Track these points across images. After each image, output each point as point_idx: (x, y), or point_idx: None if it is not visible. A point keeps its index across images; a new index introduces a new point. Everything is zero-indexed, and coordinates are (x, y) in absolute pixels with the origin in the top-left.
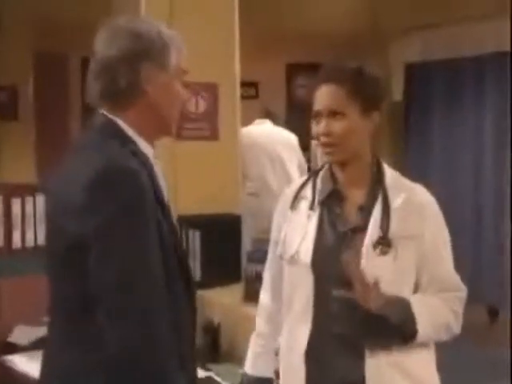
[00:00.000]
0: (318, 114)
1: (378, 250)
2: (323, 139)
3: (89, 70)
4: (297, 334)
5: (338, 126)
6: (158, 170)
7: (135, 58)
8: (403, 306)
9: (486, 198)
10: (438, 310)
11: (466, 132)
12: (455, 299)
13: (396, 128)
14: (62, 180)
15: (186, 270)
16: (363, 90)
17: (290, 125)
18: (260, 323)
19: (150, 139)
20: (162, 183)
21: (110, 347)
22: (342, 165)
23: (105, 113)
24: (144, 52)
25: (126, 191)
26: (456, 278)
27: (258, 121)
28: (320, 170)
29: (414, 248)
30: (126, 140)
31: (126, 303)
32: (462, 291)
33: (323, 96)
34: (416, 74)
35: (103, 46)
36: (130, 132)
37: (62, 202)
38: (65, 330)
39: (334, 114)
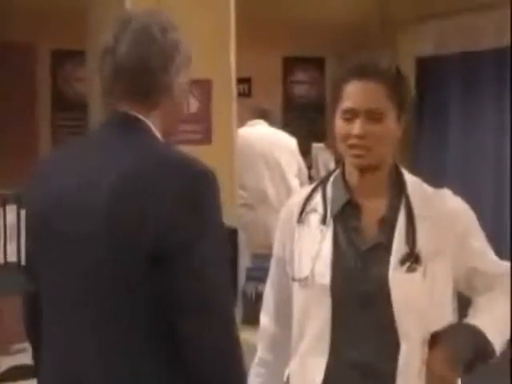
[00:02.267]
0: (352, 113)
1: (405, 267)
2: (356, 141)
3: (113, 67)
4: (311, 364)
5: (376, 128)
6: None
7: (166, 60)
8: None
9: (509, 207)
10: (500, 313)
11: (485, 134)
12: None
13: (406, 130)
14: (109, 188)
15: None
16: (400, 91)
17: (287, 126)
18: (261, 350)
19: None
20: None
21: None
22: (363, 171)
23: (134, 113)
24: (178, 47)
25: (218, 199)
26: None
27: (251, 122)
28: (328, 177)
29: (449, 263)
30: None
31: (223, 313)
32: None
33: (360, 93)
34: (429, 68)
35: (148, 43)
36: (159, 136)
37: (135, 210)
38: (128, 350)
39: (372, 114)
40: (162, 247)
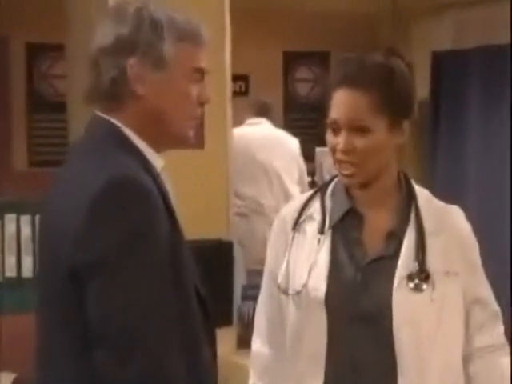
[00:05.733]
0: (336, 124)
1: (412, 285)
2: (341, 156)
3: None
4: None
5: (360, 142)
6: (168, 185)
7: (119, 51)
8: None
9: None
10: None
11: (509, 137)
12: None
13: (421, 133)
14: (57, 197)
15: (203, 302)
16: (394, 98)
17: (288, 128)
18: (254, 377)
19: (158, 148)
20: (174, 201)
21: None
22: (364, 184)
23: (102, 115)
24: (129, 44)
25: (135, 213)
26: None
27: (251, 120)
28: (329, 183)
29: (460, 286)
30: (131, 148)
31: (134, 346)
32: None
33: (343, 103)
34: (446, 64)
35: (96, 33)
36: (135, 139)
37: (59, 224)
38: (62, 371)
39: (356, 127)
40: (75, 268)
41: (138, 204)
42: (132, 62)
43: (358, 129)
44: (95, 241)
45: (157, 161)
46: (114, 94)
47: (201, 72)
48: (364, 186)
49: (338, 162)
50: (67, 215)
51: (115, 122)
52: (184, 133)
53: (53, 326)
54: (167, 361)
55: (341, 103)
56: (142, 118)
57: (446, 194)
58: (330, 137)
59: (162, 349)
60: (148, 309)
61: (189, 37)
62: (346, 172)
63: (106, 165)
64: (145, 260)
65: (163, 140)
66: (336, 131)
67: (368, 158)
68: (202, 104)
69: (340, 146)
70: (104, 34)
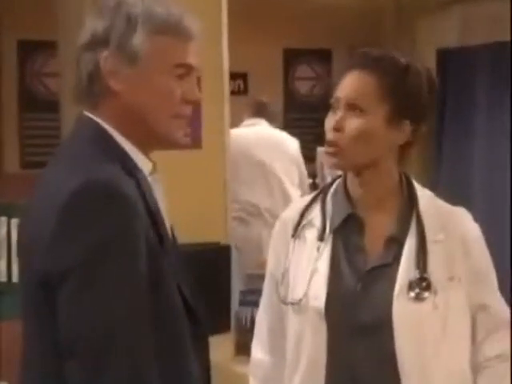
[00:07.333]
0: (337, 103)
1: (412, 294)
2: (329, 135)
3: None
4: None
5: (352, 122)
6: (158, 189)
7: (95, 46)
8: None
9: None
10: None
11: None
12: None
13: (426, 133)
14: (36, 201)
15: (192, 311)
16: (401, 92)
17: (288, 128)
18: None
19: (144, 149)
20: (162, 207)
21: None
22: (362, 184)
23: (87, 114)
24: (103, 38)
25: (109, 217)
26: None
27: (248, 121)
28: (330, 185)
29: (465, 292)
30: (115, 150)
31: (106, 360)
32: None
33: (349, 82)
34: (452, 62)
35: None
36: (120, 140)
37: (34, 230)
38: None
39: (353, 106)
40: (47, 275)
41: (113, 208)
42: (104, 56)
43: (354, 108)
44: (67, 246)
45: (144, 163)
46: (92, 90)
47: (186, 67)
48: (356, 175)
49: (326, 143)
50: (42, 220)
51: (100, 121)
52: (169, 132)
53: (30, 336)
54: (143, 369)
55: (347, 82)
56: (120, 115)
57: (451, 196)
58: (327, 118)
59: (138, 356)
60: (122, 315)
61: (169, 30)
62: (329, 150)
63: (84, 168)
64: (118, 266)
65: (148, 140)
66: (335, 111)
67: (355, 141)
68: (189, 102)
69: (332, 123)
70: (85, 31)
